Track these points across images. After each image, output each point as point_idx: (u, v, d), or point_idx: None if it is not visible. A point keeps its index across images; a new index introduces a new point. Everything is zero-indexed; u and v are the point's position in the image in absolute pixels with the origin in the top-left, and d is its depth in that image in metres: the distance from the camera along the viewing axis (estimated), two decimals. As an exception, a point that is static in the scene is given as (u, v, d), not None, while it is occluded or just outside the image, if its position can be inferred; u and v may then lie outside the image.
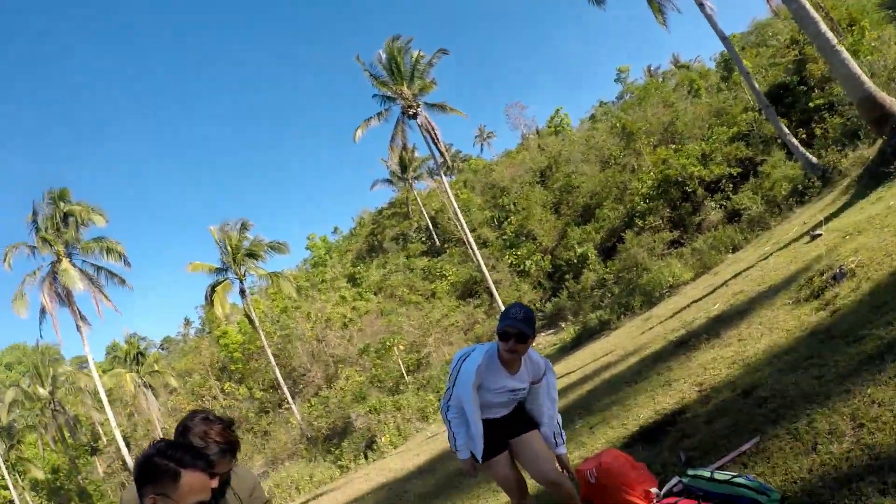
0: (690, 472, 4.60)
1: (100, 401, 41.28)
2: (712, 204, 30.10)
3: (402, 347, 38.37)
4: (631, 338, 14.57)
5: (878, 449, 3.67)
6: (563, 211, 46.03)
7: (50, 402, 52.05)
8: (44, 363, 52.92)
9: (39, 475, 53.73)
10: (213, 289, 39.66)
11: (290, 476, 25.89)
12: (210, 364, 56.57)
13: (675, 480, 4.89)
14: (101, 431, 48.67)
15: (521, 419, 4.98)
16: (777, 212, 22.89)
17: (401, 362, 37.55)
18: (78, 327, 37.75)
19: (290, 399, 40.06)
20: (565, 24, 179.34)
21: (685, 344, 9.34)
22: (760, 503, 3.89)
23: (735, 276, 13.49)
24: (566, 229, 43.03)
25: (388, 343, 37.97)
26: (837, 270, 7.62)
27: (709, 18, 25.34)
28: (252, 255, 40.15)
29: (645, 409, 7.36)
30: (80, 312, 37.86)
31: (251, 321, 40.84)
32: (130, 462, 39.25)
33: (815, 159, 23.14)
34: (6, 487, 49.78)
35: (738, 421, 5.32)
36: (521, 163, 57.17)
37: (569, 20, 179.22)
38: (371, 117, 39.79)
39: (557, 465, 4.92)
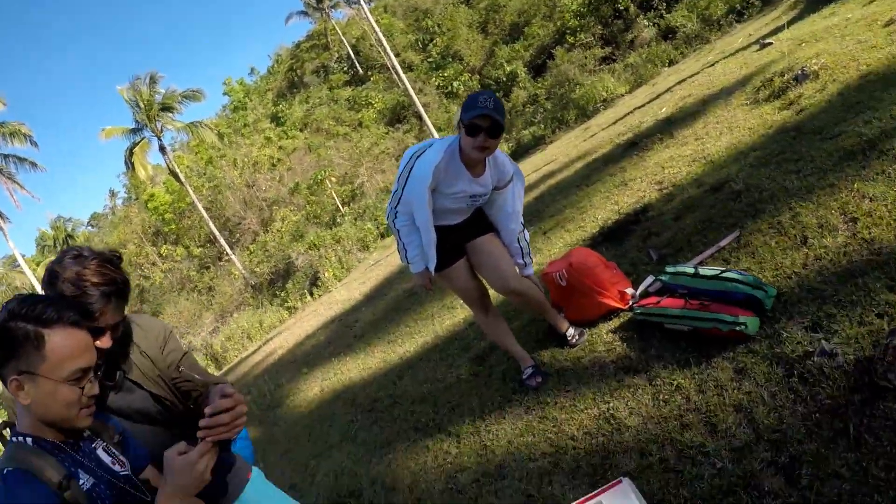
0: (670, 270, 4.17)
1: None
2: (645, 21, 29.68)
3: (334, 180, 37.80)
4: (572, 146, 14.24)
5: (879, 244, 3.42)
6: (491, 30, 44.72)
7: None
8: None
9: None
10: (131, 151, 37.61)
11: (239, 327, 25.52)
12: (143, 231, 55.19)
13: (650, 280, 4.59)
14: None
15: (479, 224, 4.37)
16: (716, 28, 22.47)
17: (335, 195, 37.06)
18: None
19: (228, 250, 39.47)
20: None
21: (636, 145, 8.98)
22: (758, 298, 3.48)
23: (679, 82, 13.12)
24: (494, 48, 41.89)
25: (319, 177, 37.29)
26: (799, 72, 7.30)
27: None
28: (166, 108, 37.99)
29: (602, 209, 7.04)
30: None
31: (177, 178, 39.32)
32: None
33: None
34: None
35: (711, 216, 5.04)
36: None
37: None
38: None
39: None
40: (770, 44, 10.78)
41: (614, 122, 13.38)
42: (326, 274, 25.79)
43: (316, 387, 8.44)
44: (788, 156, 5.27)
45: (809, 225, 3.96)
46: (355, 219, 31.95)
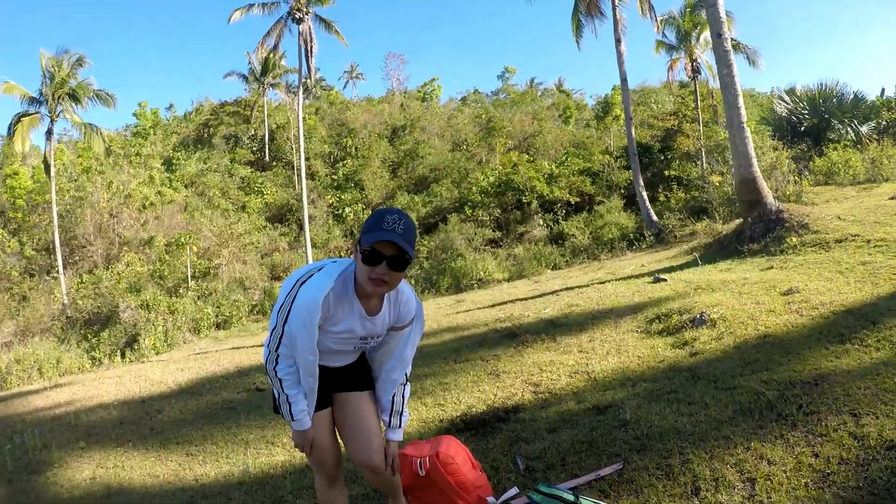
0: (544, 489, 3.89)
1: None
2: (541, 221, 31.71)
3: (195, 249, 36.62)
4: (443, 314, 14.04)
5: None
6: (400, 174, 46.21)
7: None
8: None
9: None
10: (19, 118, 35.98)
11: (35, 354, 23.87)
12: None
13: (514, 491, 4.21)
14: None
15: (359, 371, 3.71)
16: (607, 248, 24.20)
17: (189, 265, 35.67)
18: None
19: (61, 269, 37.37)
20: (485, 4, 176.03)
21: (514, 337, 8.85)
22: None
23: (566, 289, 13.30)
24: (396, 192, 43.13)
25: (182, 240, 36.01)
26: (697, 316, 7.54)
27: (619, 56, 26.94)
28: (74, 96, 36.75)
29: (468, 394, 6.78)
30: None
31: (47, 169, 37.54)
32: None
33: (655, 217, 25.28)
34: None
35: (593, 439, 4.78)
36: (378, 113, 56.76)
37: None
38: (255, 4, 38.05)
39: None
40: (664, 280, 11.13)
41: (491, 305, 13.40)
42: (147, 341, 24.27)
43: (87, 470, 7.17)
44: (681, 396, 5.21)
45: (702, 475, 3.80)
46: (198, 297, 30.66)
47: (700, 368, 5.91)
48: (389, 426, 3.68)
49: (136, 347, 24.08)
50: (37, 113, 36.42)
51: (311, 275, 3.30)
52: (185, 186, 48.53)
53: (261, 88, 57.81)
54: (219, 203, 45.93)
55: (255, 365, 11.98)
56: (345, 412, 3.66)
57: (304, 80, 40.96)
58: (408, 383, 3.76)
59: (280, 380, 3.40)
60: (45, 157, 38.21)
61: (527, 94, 63.60)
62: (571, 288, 13.16)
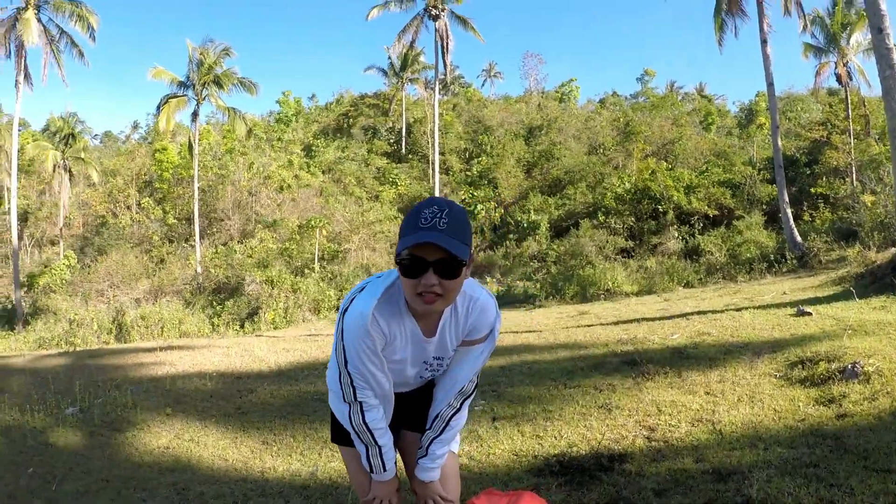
0: None
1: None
2: (676, 233, 30.13)
3: (325, 233, 36.95)
4: (562, 325, 12.87)
5: None
6: (535, 174, 45.63)
7: (-44, 156, 49.34)
8: None
9: (-77, 223, 51.63)
10: (166, 99, 38.13)
11: (161, 313, 24.66)
12: (138, 173, 54.88)
13: None
14: (5, 197, 46.83)
15: (424, 403, 2.92)
16: (745, 269, 22.27)
17: (318, 247, 36.13)
18: (17, 83, 35.92)
19: (197, 238, 38.85)
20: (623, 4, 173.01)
21: (635, 365, 7.72)
22: None
23: (698, 312, 11.94)
24: (529, 192, 42.46)
25: (313, 223, 36.35)
26: (849, 367, 6.26)
27: (765, 58, 25.12)
28: (218, 82, 38.32)
29: (573, 428, 5.79)
30: (25, 68, 36.10)
31: (191, 148, 39.37)
32: (15, 233, 38.02)
33: (799, 238, 23.19)
34: None
35: None
36: (515, 112, 56.51)
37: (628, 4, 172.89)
38: (391, 1, 38.44)
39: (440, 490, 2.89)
40: (809, 314, 9.84)
41: (615, 323, 12.19)
42: (267, 315, 24.78)
43: (164, 439, 7.10)
44: (822, 472, 4.15)
45: None
46: (322, 279, 30.92)
47: (848, 437, 4.76)
48: (421, 457, 2.85)
49: (255, 320, 24.64)
50: (183, 96, 38.62)
51: (353, 299, 2.53)
52: (323, 172, 49.52)
53: (399, 83, 58.58)
54: (353, 191, 46.68)
55: None
56: (410, 453, 3.02)
57: (440, 76, 41.13)
58: (461, 408, 2.86)
59: (371, 432, 2.69)
60: (190, 137, 39.76)
61: (666, 98, 61.53)
62: (704, 312, 11.83)
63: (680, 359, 7.84)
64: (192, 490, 5.57)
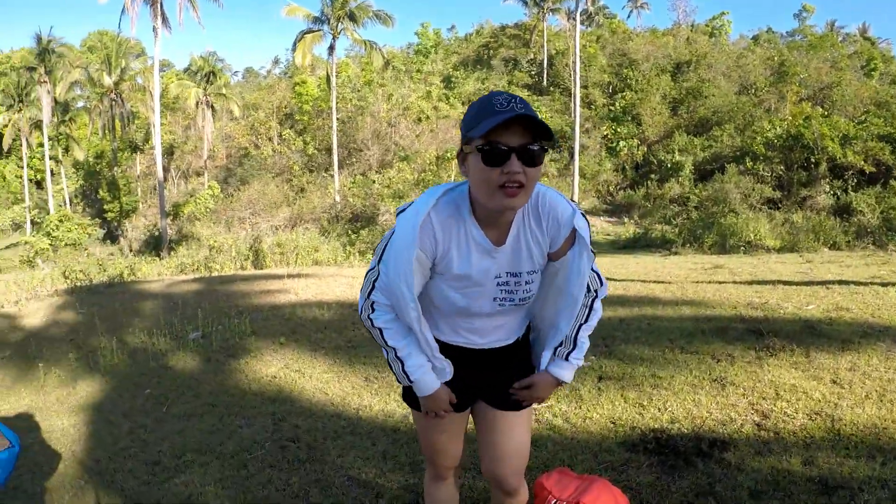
0: None
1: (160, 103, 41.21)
2: (827, 188, 28.08)
3: None
4: (692, 280, 11.92)
5: None
6: (681, 112, 43.73)
7: (111, 92, 51.59)
8: (118, 54, 52.11)
9: (80, 156, 54.43)
10: (301, 35, 38.93)
11: (296, 241, 24.91)
12: (278, 106, 56.43)
13: None
14: (152, 133, 48.91)
15: (509, 367, 2.65)
16: None
17: (453, 179, 35.42)
18: (154, 28, 37.42)
19: (336, 168, 39.41)
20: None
21: (760, 336, 6.84)
22: None
23: (839, 282, 10.54)
24: (674, 131, 40.78)
25: (450, 155, 36.09)
26: None
27: None
28: (353, 16, 38.50)
29: (679, 401, 5.23)
30: (162, 13, 37.34)
31: (329, 80, 39.88)
32: (160, 166, 39.51)
33: None
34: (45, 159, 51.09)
35: None
36: (662, 46, 53.90)
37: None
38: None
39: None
40: None
41: (749, 282, 11.05)
42: None
43: (273, 368, 7.20)
44: None
45: None
46: None
47: None
48: (555, 355, 2.57)
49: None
50: (319, 31, 39.48)
51: (412, 203, 2.36)
52: (462, 104, 49.03)
53: (540, 14, 57.19)
54: None
55: None
56: (489, 430, 2.75)
57: (583, 6, 39.82)
58: (595, 303, 2.52)
59: (379, 329, 2.49)
60: (328, 70, 40.37)
61: (825, 38, 57.34)
62: (846, 282, 10.48)
63: (811, 335, 6.87)
64: (287, 421, 5.66)
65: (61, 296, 13.50)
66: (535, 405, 2.88)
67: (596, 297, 2.51)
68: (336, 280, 13.41)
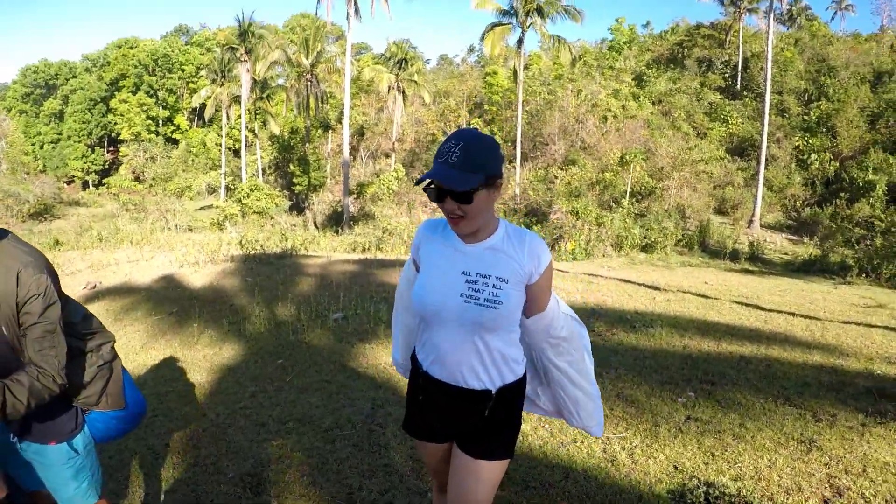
0: None
1: (351, 86, 42.83)
2: None
3: (639, 169, 35.61)
4: (842, 319, 10.56)
5: None
6: (879, 126, 40.50)
7: (308, 73, 54.32)
8: (315, 37, 54.67)
9: (276, 130, 57.50)
10: (491, 27, 39.66)
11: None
12: (468, 95, 57.39)
13: None
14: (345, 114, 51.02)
15: (480, 417, 2.77)
16: None
17: (630, 181, 35.10)
18: (347, 15, 39.53)
19: (518, 160, 39.74)
20: None
21: (877, 399, 6.13)
22: None
23: None
24: (870, 147, 37.82)
25: (632, 156, 34.90)
26: None
27: None
28: (541, 11, 38.62)
29: (754, 457, 4.87)
30: (355, 3, 39.46)
31: (516, 74, 40.27)
32: (347, 146, 41.18)
33: None
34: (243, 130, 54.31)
35: None
36: (864, 53, 50.21)
37: None
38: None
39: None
40: None
41: None
42: (568, 245, 24.35)
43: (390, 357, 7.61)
44: None
45: None
46: (629, 215, 29.57)
47: None
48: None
49: (557, 248, 24.56)
50: (508, 24, 39.85)
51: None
52: (652, 104, 48.11)
53: (737, 13, 54.98)
54: (681, 125, 45.07)
55: (615, 309, 10.81)
56: (453, 467, 2.87)
57: (780, 6, 38.28)
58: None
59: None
60: (514, 64, 40.86)
61: None
62: None
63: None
64: (384, 409, 6.11)
65: (234, 262, 14.82)
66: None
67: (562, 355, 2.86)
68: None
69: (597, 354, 7.03)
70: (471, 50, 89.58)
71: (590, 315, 9.82)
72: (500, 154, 2.55)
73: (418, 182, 2.50)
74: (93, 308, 10.86)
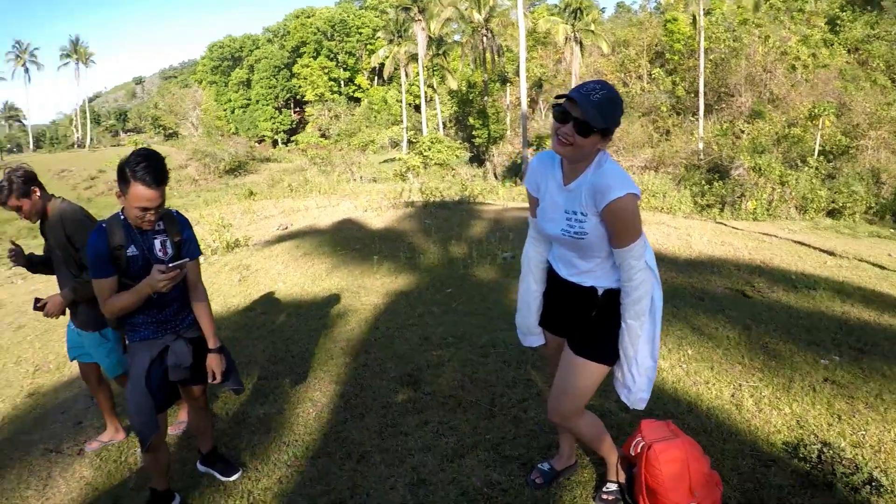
0: None
1: (527, 39, 42.67)
2: None
3: (827, 124, 32.78)
4: None
5: None
6: None
7: (482, 28, 54.98)
8: None
9: (454, 85, 58.57)
10: None
11: (651, 185, 25.22)
12: (648, 44, 55.76)
13: None
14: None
15: (588, 315, 3.30)
16: None
17: (820, 139, 32.70)
18: None
19: (701, 112, 38.80)
20: None
21: None
22: None
23: None
24: None
25: (822, 110, 32.36)
26: None
27: None
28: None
29: (880, 428, 4.62)
30: None
31: (694, 20, 38.99)
32: (524, 98, 41.22)
33: None
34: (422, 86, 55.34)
35: None
36: None
37: None
38: None
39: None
40: None
41: None
42: (749, 204, 23.67)
43: None
44: None
45: None
46: (817, 175, 27.33)
47: None
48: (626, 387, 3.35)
49: (737, 206, 24.02)
50: None
51: None
52: (847, 52, 44.91)
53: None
54: (876, 77, 41.08)
55: (780, 268, 10.56)
56: (561, 363, 3.44)
57: None
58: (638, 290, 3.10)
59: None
60: (693, 10, 39.43)
61: None
62: None
63: None
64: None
65: (413, 208, 15.87)
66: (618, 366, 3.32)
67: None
68: (659, 229, 13.55)
69: (750, 309, 7.42)
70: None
71: (752, 271, 9.62)
72: (620, 118, 2.93)
73: (558, 97, 2.86)
74: (285, 245, 12.29)
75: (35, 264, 4.79)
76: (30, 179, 4.42)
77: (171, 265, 3.48)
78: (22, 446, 5.47)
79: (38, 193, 4.47)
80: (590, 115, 2.76)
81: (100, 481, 4.70)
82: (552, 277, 3.45)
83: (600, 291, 3.22)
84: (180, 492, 4.22)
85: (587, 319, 3.28)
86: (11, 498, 4.65)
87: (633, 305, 3.08)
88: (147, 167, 3.35)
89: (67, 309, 4.68)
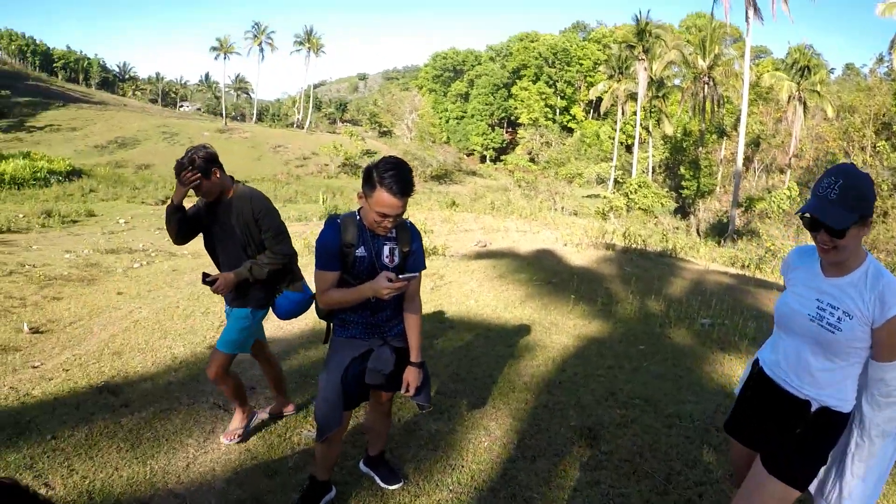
0: None
1: (749, 92, 41.44)
2: None
3: None
4: None
5: None
6: None
7: (704, 75, 53.48)
8: (712, 38, 53.37)
9: (669, 130, 57.59)
10: None
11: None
12: (875, 113, 51.85)
13: None
14: (739, 121, 49.51)
15: (791, 427, 3.06)
16: None
17: None
18: (746, 16, 37.93)
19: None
20: None
21: None
22: None
23: None
24: None
25: None
26: None
27: None
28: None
29: None
30: (754, 2, 37.83)
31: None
32: (741, 155, 39.94)
33: None
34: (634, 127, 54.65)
35: None
36: None
37: None
38: None
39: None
40: None
41: None
42: None
43: (738, 370, 7.53)
44: None
45: None
46: None
47: None
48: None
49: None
50: None
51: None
52: None
53: None
54: None
55: None
56: (747, 479, 3.19)
57: None
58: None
59: None
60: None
61: None
62: None
63: None
64: (725, 415, 6.01)
65: (614, 251, 15.57)
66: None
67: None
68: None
69: None
70: (879, 60, 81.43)
71: None
72: (874, 194, 2.76)
73: (798, 212, 2.85)
74: (481, 263, 12.62)
75: (184, 220, 4.82)
76: (211, 160, 4.58)
77: (401, 277, 3.57)
78: (192, 394, 5.91)
79: (218, 174, 4.65)
80: (835, 220, 2.68)
81: (260, 451, 4.98)
82: (758, 375, 3.27)
83: (814, 407, 2.96)
84: (337, 485, 4.36)
85: (789, 435, 3.03)
86: (173, 441, 5.02)
87: (885, 423, 2.86)
88: (395, 176, 3.42)
89: None
